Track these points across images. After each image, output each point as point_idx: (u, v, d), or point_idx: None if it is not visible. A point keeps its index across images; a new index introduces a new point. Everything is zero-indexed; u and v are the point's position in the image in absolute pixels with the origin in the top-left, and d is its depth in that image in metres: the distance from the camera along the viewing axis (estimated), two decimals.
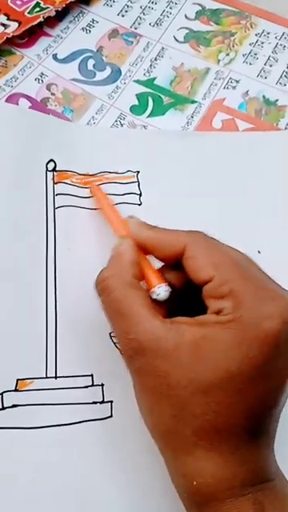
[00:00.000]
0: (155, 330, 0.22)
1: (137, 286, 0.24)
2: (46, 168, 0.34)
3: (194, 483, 0.22)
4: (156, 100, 0.40)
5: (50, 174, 0.34)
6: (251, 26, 0.44)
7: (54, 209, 0.33)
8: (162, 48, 0.42)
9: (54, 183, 0.34)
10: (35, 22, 0.41)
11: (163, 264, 0.26)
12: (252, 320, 0.22)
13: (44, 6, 0.43)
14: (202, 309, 0.24)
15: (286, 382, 0.23)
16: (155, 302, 0.25)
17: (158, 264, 0.27)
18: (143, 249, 0.26)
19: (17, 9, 0.43)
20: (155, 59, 0.42)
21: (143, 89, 0.40)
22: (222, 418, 0.21)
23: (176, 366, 0.22)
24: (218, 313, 0.23)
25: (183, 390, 0.22)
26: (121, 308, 0.24)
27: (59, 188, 0.34)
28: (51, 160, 0.35)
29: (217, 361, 0.21)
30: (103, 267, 0.26)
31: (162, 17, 0.44)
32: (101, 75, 0.41)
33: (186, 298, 0.25)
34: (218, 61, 0.42)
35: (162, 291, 0.25)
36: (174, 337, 0.22)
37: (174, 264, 0.25)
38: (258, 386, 0.22)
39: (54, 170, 0.34)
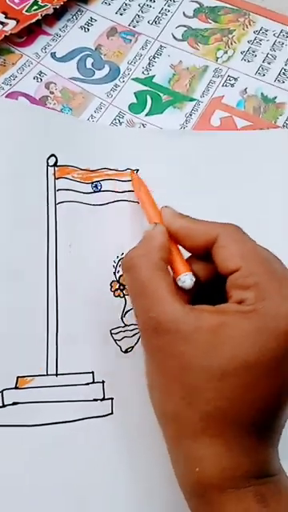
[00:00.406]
0: (176, 312, 0.23)
1: (163, 269, 0.25)
2: (47, 163, 0.34)
3: (197, 469, 0.22)
4: (154, 98, 0.40)
5: (51, 169, 0.34)
6: (249, 24, 0.44)
7: (55, 204, 0.33)
8: (161, 46, 0.42)
9: (55, 178, 0.34)
10: (33, 20, 0.41)
11: (190, 255, 0.27)
12: (273, 314, 0.22)
13: (42, 4, 0.42)
14: (222, 302, 0.24)
15: None
16: (180, 289, 0.25)
17: (186, 256, 0.27)
18: (174, 238, 0.27)
19: (15, 7, 0.42)
20: (154, 57, 0.42)
21: (142, 87, 0.40)
22: (233, 405, 0.22)
23: (193, 350, 0.22)
24: (239, 303, 0.23)
25: (197, 375, 0.22)
26: (145, 288, 0.24)
27: (60, 183, 0.34)
28: (52, 155, 0.34)
29: (234, 348, 0.22)
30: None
31: (160, 15, 0.44)
32: (99, 74, 0.41)
33: (209, 291, 0.26)
34: (217, 58, 0.42)
35: (187, 279, 0.25)
36: (193, 321, 0.22)
37: (202, 256, 0.26)
38: (273, 380, 0.22)
39: (55, 165, 0.34)
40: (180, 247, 0.27)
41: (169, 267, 0.26)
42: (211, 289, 0.25)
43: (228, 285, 0.24)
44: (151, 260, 0.25)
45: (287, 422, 0.24)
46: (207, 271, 0.26)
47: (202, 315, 0.23)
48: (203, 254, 0.26)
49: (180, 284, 0.25)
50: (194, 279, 0.25)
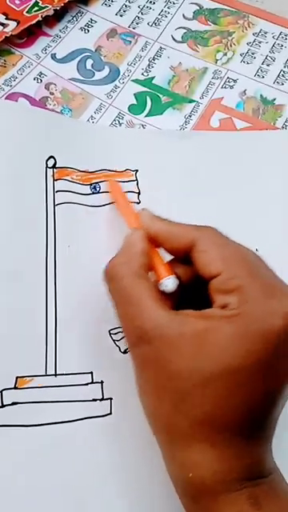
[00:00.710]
0: (160, 318, 0.23)
1: (144, 276, 0.25)
2: (46, 165, 0.34)
3: (190, 475, 0.22)
4: (154, 99, 0.40)
5: (50, 171, 0.34)
6: (249, 26, 0.44)
7: (54, 206, 0.33)
8: (160, 48, 0.43)
9: (54, 180, 0.34)
10: (34, 21, 0.41)
11: (172, 258, 0.27)
12: (257, 316, 0.22)
13: (42, 5, 0.43)
14: (207, 305, 0.24)
15: (285, 382, 0.23)
16: (163, 293, 0.25)
17: (167, 258, 0.27)
18: (154, 241, 0.27)
19: (15, 8, 0.43)
20: (153, 59, 0.42)
21: (141, 88, 0.40)
22: (219, 410, 0.22)
23: (178, 356, 0.22)
24: (223, 307, 0.23)
25: (184, 381, 0.22)
26: (128, 296, 0.24)
27: (59, 185, 0.34)
28: (51, 157, 0.34)
29: (219, 353, 0.22)
30: (105, 263, 0.26)
31: (160, 16, 0.44)
32: (99, 75, 0.41)
33: (192, 294, 0.25)
34: (216, 60, 0.42)
35: (170, 283, 0.25)
36: (177, 326, 0.22)
37: (183, 258, 0.26)
38: (257, 382, 0.22)
39: (54, 166, 0.34)
40: (162, 250, 0.27)
41: (151, 272, 0.26)
42: (195, 291, 0.25)
43: (211, 289, 0.24)
44: (132, 268, 0.25)
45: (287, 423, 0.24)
46: (189, 273, 0.25)
47: (186, 320, 0.23)
48: (184, 257, 0.25)
49: (162, 288, 0.25)
50: (177, 282, 0.25)
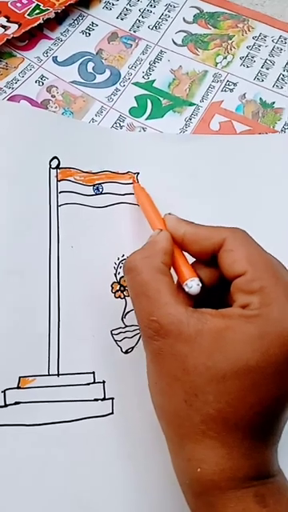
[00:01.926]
0: (178, 314, 0.23)
1: (165, 272, 0.25)
2: (50, 165, 0.35)
3: (198, 470, 0.22)
4: (155, 102, 0.40)
5: (53, 172, 0.34)
6: (248, 30, 0.44)
7: (58, 206, 0.33)
8: (161, 51, 0.43)
9: (58, 181, 0.34)
10: (35, 24, 0.42)
11: (194, 261, 0.27)
12: (277, 319, 0.22)
13: (44, 8, 0.43)
14: (223, 307, 0.24)
15: None
16: (184, 293, 0.25)
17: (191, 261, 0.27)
18: (179, 244, 0.27)
19: (17, 11, 0.43)
20: (154, 62, 0.42)
21: (142, 91, 0.41)
22: (233, 408, 0.22)
23: (195, 352, 0.22)
24: (244, 307, 0.23)
25: (199, 377, 0.22)
26: (146, 290, 0.24)
27: (62, 185, 0.34)
28: (55, 157, 0.35)
29: (237, 352, 0.22)
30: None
31: (160, 20, 0.45)
32: (100, 78, 0.41)
33: (211, 296, 0.26)
34: (216, 64, 0.42)
35: (194, 284, 0.25)
36: (196, 323, 0.23)
37: (206, 261, 0.26)
38: (272, 384, 0.22)
39: (57, 167, 0.35)
40: (185, 253, 0.27)
41: (173, 272, 0.26)
42: (214, 294, 0.26)
43: (233, 289, 0.24)
44: (153, 262, 0.25)
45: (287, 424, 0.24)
46: (212, 276, 0.26)
47: (204, 318, 0.23)
48: (208, 260, 0.26)
49: (187, 289, 0.25)
50: (201, 284, 0.25)
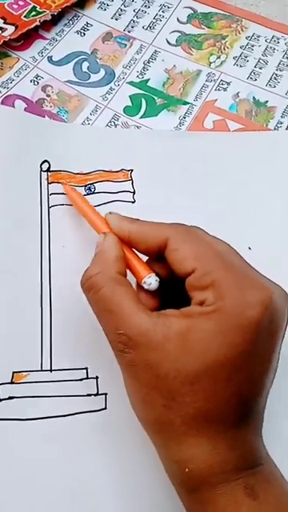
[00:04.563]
0: (144, 323, 0.23)
1: (123, 282, 0.25)
2: (41, 168, 0.35)
3: (186, 470, 0.22)
4: (149, 101, 0.41)
5: (44, 175, 0.35)
6: (242, 30, 0.45)
7: (49, 207, 0.34)
8: (155, 51, 0.43)
9: (48, 183, 0.35)
10: (31, 26, 0.42)
11: (147, 258, 0.27)
12: (234, 309, 0.22)
13: (40, 10, 0.43)
14: (187, 300, 0.24)
15: (270, 367, 0.23)
16: (146, 294, 0.25)
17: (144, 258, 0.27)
18: (127, 243, 0.27)
19: (13, 12, 0.43)
20: (148, 61, 0.43)
21: (136, 90, 0.41)
22: (210, 404, 0.22)
23: (165, 358, 0.22)
24: (201, 304, 0.23)
25: (172, 381, 0.22)
26: (109, 304, 0.24)
27: (53, 188, 0.35)
28: (45, 161, 0.35)
29: (203, 350, 0.22)
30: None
31: (154, 20, 0.45)
32: (95, 77, 0.42)
33: (173, 291, 0.26)
34: (210, 63, 0.43)
35: (152, 280, 0.25)
36: (161, 329, 0.23)
37: (158, 257, 0.26)
38: (243, 372, 0.22)
39: (48, 170, 0.35)
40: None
41: (129, 274, 0.26)
42: (175, 287, 0.25)
43: (187, 287, 0.24)
44: (108, 275, 0.25)
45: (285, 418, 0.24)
46: (167, 270, 0.25)
47: (168, 322, 0.23)
48: (159, 256, 0.26)
49: (146, 287, 0.25)
50: (159, 279, 0.25)
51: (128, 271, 0.26)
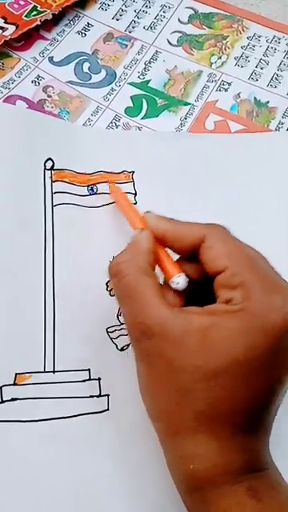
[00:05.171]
0: (164, 315, 0.23)
1: (149, 274, 0.25)
2: (44, 166, 0.35)
3: (191, 467, 0.22)
4: (150, 102, 0.41)
5: (48, 173, 0.35)
6: (243, 30, 0.45)
7: (52, 206, 0.34)
8: (156, 51, 0.43)
9: (52, 181, 0.35)
10: (32, 26, 0.42)
11: (179, 257, 0.27)
12: (260, 311, 0.22)
13: (41, 10, 0.43)
14: (211, 302, 0.24)
15: (285, 378, 0.23)
16: (173, 292, 0.25)
17: (175, 258, 0.27)
18: (161, 242, 0.27)
19: (14, 12, 0.43)
20: (149, 62, 0.43)
21: (138, 91, 0.41)
22: (225, 404, 0.22)
23: (183, 352, 0.22)
24: (227, 302, 0.23)
25: (189, 375, 0.22)
26: (132, 292, 0.24)
27: (57, 186, 0.35)
28: (49, 159, 0.35)
29: (224, 348, 0.22)
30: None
31: (155, 20, 0.45)
32: (96, 78, 0.42)
33: (199, 292, 0.26)
34: (211, 64, 0.43)
35: (181, 280, 0.25)
36: (182, 323, 0.23)
37: (190, 257, 0.26)
38: (262, 375, 0.22)
39: (51, 168, 0.35)
40: (169, 250, 0.27)
41: (159, 271, 0.26)
42: (202, 289, 0.26)
43: (215, 285, 0.24)
44: (137, 265, 0.25)
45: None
46: (197, 272, 0.26)
47: (190, 317, 0.23)
48: (191, 255, 0.26)
49: (174, 286, 0.25)
50: (187, 280, 0.25)
51: (157, 269, 0.26)
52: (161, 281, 0.26)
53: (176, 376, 0.23)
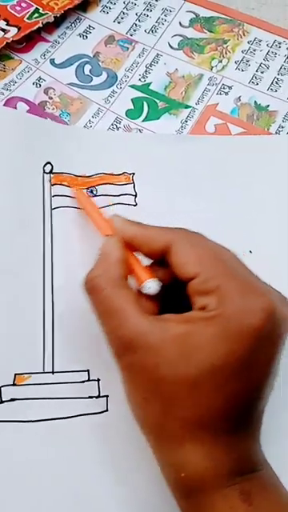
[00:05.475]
0: (143, 326, 0.23)
1: (124, 285, 0.25)
2: (43, 170, 0.35)
3: (182, 475, 0.22)
4: (151, 105, 0.41)
5: (46, 176, 0.35)
6: (243, 34, 0.45)
7: (51, 210, 0.34)
8: (157, 54, 0.44)
9: (51, 185, 0.35)
10: (34, 28, 0.42)
11: (151, 262, 0.27)
12: (235, 315, 0.22)
13: (43, 12, 0.44)
14: (189, 306, 0.24)
15: (269, 375, 0.23)
16: (146, 299, 0.25)
17: (146, 262, 0.27)
18: (129, 246, 0.27)
19: (16, 14, 0.43)
20: (150, 65, 0.43)
21: (138, 94, 0.41)
22: (208, 409, 0.22)
23: (163, 361, 0.22)
24: (202, 309, 0.23)
25: (170, 386, 0.22)
26: (110, 307, 0.24)
27: (56, 190, 0.35)
28: (48, 163, 0.35)
29: (201, 355, 0.22)
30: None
31: (157, 24, 0.45)
32: (97, 80, 0.42)
33: (174, 296, 0.26)
34: (211, 67, 0.43)
35: (152, 285, 0.25)
36: (159, 332, 0.23)
37: (161, 261, 0.26)
38: (242, 379, 0.22)
39: (50, 172, 0.35)
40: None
41: (130, 278, 0.26)
42: (178, 293, 0.25)
43: (189, 291, 0.24)
44: (111, 278, 0.25)
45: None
46: (169, 275, 0.25)
47: (166, 326, 0.23)
48: (161, 259, 0.26)
49: (145, 291, 0.25)
50: (160, 283, 0.25)
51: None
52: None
53: (158, 386, 0.23)
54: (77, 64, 0.42)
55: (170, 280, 0.26)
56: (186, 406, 0.22)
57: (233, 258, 0.25)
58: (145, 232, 0.26)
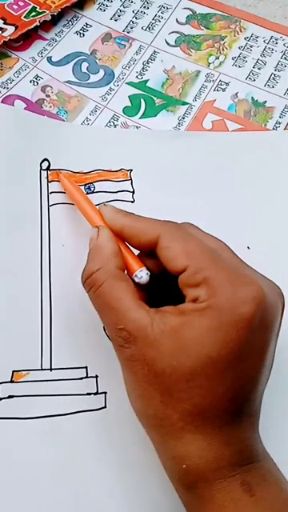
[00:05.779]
0: (142, 318, 0.23)
1: (123, 278, 0.25)
2: (40, 167, 0.35)
3: (184, 466, 0.23)
4: (148, 102, 0.41)
5: (44, 173, 0.35)
6: (240, 30, 0.45)
7: (48, 206, 0.34)
8: (154, 51, 0.44)
9: (48, 182, 0.35)
10: (31, 26, 0.42)
11: (140, 252, 0.27)
12: (227, 305, 0.22)
13: (40, 11, 0.44)
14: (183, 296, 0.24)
15: (264, 364, 0.23)
16: (139, 287, 0.25)
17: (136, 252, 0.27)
18: (119, 236, 0.27)
19: (13, 13, 0.43)
20: (147, 62, 0.43)
21: (136, 91, 0.41)
22: (205, 400, 0.22)
23: (161, 354, 0.23)
24: (194, 301, 0.23)
25: (168, 378, 0.22)
26: (110, 300, 0.24)
27: (53, 186, 0.35)
28: (45, 159, 0.35)
29: (196, 347, 0.22)
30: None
31: (153, 21, 0.45)
32: (94, 77, 0.42)
33: (171, 286, 0.26)
34: (209, 64, 0.43)
35: (143, 274, 0.25)
36: (158, 324, 0.23)
37: (151, 252, 0.26)
38: (237, 368, 0.22)
39: (47, 168, 0.35)
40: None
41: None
42: (171, 283, 0.25)
43: (180, 284, 0.24)
44: (109, 272, 0.25)
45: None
46: (159, 266, 0.26)
47: (165, 318, 0.23)
48: (151, 251, 0.26)
49: (137, 280, 0.25)
50: (149, 274, 0.25)
51: None
52: None
53: (158, 378, 0.23)
54: (74, 62, 0.42)
55: (161, 270, 0.26)
56: (184, 397, 0.22)
57: (222, 247, 0.25)
58: (134, 224, 0.26)
